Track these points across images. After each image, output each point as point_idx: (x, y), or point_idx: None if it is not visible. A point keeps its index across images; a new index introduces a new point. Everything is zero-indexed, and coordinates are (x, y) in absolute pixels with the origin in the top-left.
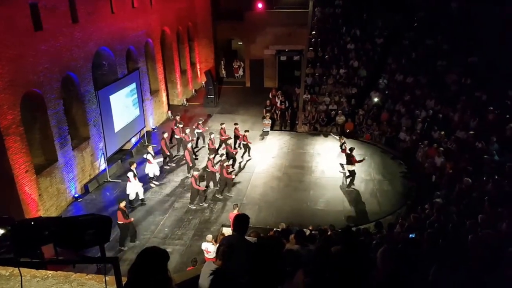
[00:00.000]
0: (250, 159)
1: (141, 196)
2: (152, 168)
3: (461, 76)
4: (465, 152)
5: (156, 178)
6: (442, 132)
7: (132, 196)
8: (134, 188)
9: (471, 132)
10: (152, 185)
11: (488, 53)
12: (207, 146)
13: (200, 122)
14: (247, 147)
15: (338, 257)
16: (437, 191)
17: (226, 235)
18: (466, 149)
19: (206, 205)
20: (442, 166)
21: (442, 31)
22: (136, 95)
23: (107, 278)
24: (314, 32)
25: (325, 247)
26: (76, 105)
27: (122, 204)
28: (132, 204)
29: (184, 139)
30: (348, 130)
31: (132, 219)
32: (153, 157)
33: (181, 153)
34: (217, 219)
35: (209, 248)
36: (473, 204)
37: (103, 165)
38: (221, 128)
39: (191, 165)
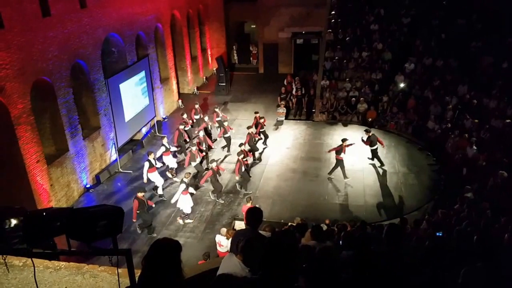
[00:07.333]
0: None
1: (160, 191)
2: (170, 159)
3: (498, 59)
4: (500, 142)
5: (175, 171)
6: (475, 121)
7: (158, 184)
8: (156, 178)
9: (508, 121)
10: (175, 179)
11: None
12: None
13: (217, 110)
14: (264, 134)
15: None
16: (468, 185)
17: (237, 228)
18: (502, 139)
19: (223, 201)
20: (475, 158)
21: (476, 9)
22: (145, 84)
23: (119, 270)
24: (333, 12)
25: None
26: (86, 93)
27: (140, 194)
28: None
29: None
30: (370, 119)
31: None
32: (168, 149)
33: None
34: (229, 212)
35: (222, 242)
36: (508, 200)
37: (114, 155)
38: (255, 118)
39: (186, 166)
